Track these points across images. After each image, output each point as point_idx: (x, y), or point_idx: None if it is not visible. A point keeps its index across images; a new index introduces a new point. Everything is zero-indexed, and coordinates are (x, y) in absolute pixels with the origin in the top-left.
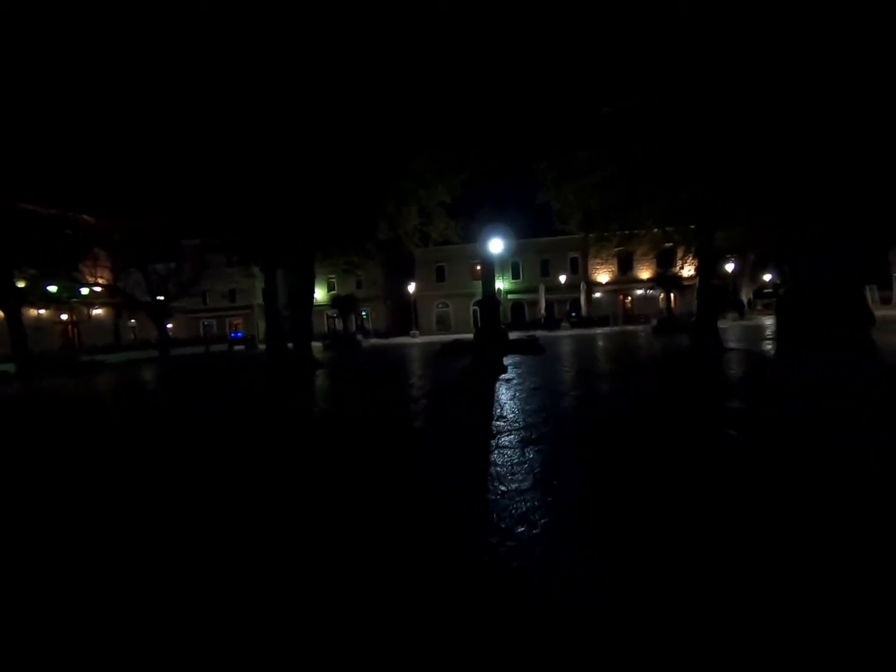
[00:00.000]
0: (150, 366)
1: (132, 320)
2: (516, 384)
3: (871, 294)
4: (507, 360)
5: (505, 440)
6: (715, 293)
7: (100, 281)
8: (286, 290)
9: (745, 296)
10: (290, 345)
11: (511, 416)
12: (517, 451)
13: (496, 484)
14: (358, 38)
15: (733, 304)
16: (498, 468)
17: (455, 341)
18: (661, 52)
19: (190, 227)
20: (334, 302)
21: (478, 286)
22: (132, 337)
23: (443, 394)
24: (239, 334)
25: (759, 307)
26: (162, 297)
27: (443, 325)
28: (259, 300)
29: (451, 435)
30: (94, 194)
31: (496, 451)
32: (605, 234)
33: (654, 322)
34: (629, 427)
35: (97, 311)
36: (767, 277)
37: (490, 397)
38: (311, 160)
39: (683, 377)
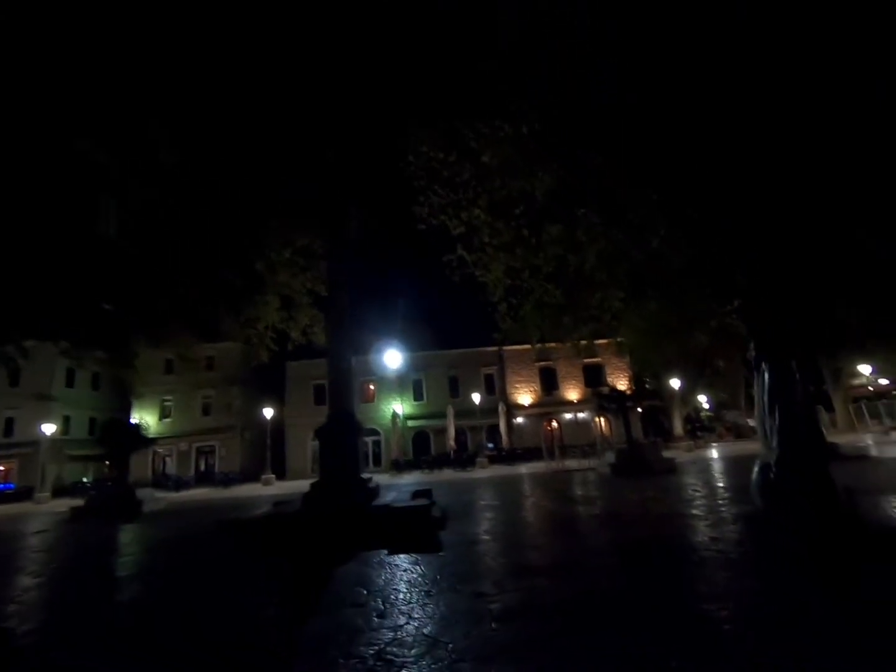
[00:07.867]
0: None
1: None
2: None
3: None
4: (356, 578)
5: None
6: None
7: None
8: None
9: (677, 421)
10: None
11: None
12: None
13: None
14: None
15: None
16: None
17: (274, 507)
18: None
19: None
20: (95, 433)
21: (371, 410)
22: None
23: None
24: (9, 485)
25: (700, 435)
26: None
27: None
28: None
29: None
30: None
31: None
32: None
33: (610, 457)
34: None
35: None
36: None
37: None
38: None
39: None
